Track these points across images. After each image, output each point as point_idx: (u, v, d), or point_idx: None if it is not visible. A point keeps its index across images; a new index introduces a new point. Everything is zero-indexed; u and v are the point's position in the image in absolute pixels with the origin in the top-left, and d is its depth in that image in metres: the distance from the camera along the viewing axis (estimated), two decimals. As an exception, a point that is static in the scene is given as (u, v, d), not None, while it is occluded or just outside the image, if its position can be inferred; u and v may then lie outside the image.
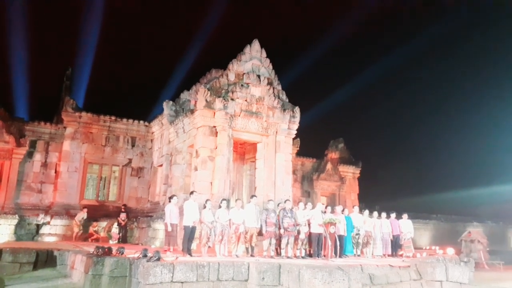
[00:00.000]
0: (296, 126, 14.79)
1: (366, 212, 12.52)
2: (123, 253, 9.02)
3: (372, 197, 23.96)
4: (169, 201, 10.44)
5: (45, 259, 11.05)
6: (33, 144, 16.53)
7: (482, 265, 15.79)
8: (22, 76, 25.18)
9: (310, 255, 10.90)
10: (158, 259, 7.72)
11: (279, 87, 14.94)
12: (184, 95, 17.22)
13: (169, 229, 9.87)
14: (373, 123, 39.26)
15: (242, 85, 14.01)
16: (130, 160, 18.13)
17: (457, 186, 31.81)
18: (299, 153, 21.48)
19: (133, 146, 18.28)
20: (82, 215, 15.50)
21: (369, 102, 40.05)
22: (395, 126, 39.48)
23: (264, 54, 14.94)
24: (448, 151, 36.87)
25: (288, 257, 10.28)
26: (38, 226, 15.54)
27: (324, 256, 10.63)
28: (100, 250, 8.96)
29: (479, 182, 31.32)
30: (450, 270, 9.24)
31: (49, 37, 32.19)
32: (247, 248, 10.62)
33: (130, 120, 18.18)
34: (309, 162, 22.77)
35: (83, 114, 17.25)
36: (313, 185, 22.05)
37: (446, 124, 38.06)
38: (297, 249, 10.92)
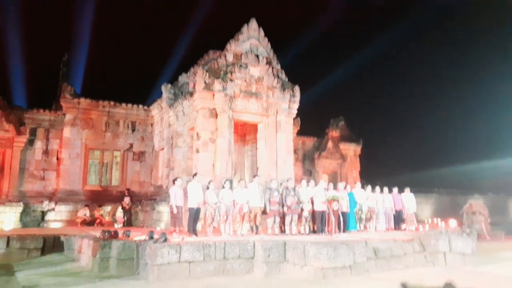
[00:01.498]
0: (296, 105, 14.74)
1: (369, 188, 12.59)
2: (129, 236, 9.12)
3: (374, 174, 24.03)
4: (173, 184, 10.49)
5: (52, 245, 11.18)
6: (33, 132, 16.52)
7: (484, 236, 15.95)
8: (18, 64, 24.97)
9: (314, 232, 11.02)
10: (165, 240, 7.81)
11: (278, 66, 14.82)
12: (183, 78, 17.10)
13: (175, 211, 9.95)
14: (373, 100, 39.09)
15: (240, 66, 13.90)
16: (131, 145, 18.14)
17: (458, 161, 31.91)
18: (300, 133, 21.45)
19: (133, 130, 18.26)
20: (84, 212, 15.59)
21: (370, 80, 39.81)
22: (395, 103, 39.33)
23: (262, 33, 14.76)
24: (449, 126, 36.83)
25: (292, 234, 10.40)
26: (43, 213, 15.67)
27: (328, 232, 10.75)
28: (106, 233, 9.06)
29: (480, 156, 31.38)
30: (453, 242, 9.35)
31: (44, 23, 31.73)
32: (251, 227, 10.74)
33: (130, 105, 18.10)
34: (310, 141, 22.79)
35: (82, 100, 17.17)
36: (314, 163, 22.12)
37: (447, 99, 37.87)
38: (301, 226, 11.04)
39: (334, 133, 23.00)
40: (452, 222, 12.88)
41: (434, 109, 37.22)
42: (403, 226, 12.92)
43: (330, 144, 22.40)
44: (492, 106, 33.85)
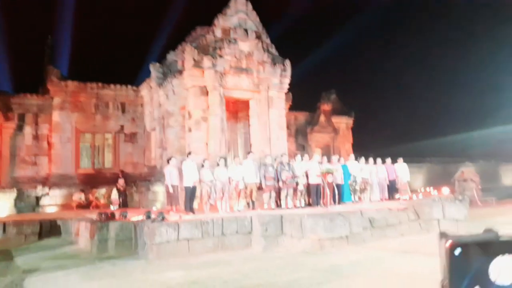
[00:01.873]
0: (287, 80, 14.61)
1: (362, 159, 12.67)
2: (126, 216, 9.14)
3: (366, 146, 24.13)
4: (168, 163, 10.46)
5: (49, 229, 11.22)
6: (21, 117, 16.25)
7: (476, 202, 16.27)
8: (1, 48, 24.29)
9: (309, 205, 11.14)
10: (163, 219, 7.83)
11: (268, 41, 14.60)
12: (171, 56, 16.77)
13: (170, 190, 9.95)
14: (364, 72, 38.93)
15: (229, 41, 13.67)
16: (122, 127, 17.96)
17: (449, 131, 32.17)
18: (292, 108, 21.35)
19: (123, 112, 18.05)
20: (79, 195, 15.54)
21: (361, 52, 39.42)
22: (386, 75, 39.24)
23: (250, 6, 14.45)
24: (439, 96, 36.90)
25: (288, 208, 10.49)
26: (38, 198, 15.61)
27: (323, 204, 10.86)
28: (103, 215, 9.06)
29: (471, 125, 31.66)
30: (446, 209, 9.53)
31: (27, 5, 30.77)
32: (248, 203, 10.80)
33: (118, 86, 17.83)
34: (302, 116, 22.74)
35: (69, 82, 16.86)
36: (307, 138, 22.16)
37: (437, 69, 37.84)
38: (296, 200, 11.14)
39: (326, 106, 22.95)
40: (445, 190, 13.09)
41: (425, 80, 37.23)
42: (397, 195, 13.09)
43: (322, 118, 22.39)
44: (482, 75, 33.87)
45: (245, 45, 13.87)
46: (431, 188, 16.17)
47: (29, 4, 31.40)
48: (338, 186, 11.51)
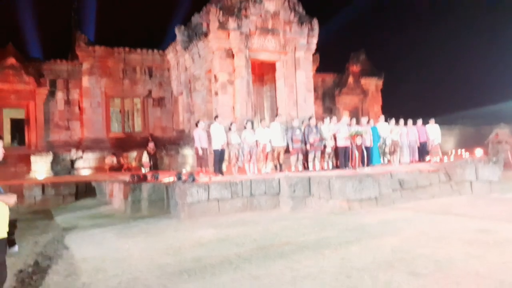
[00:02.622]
0: (315, 40, 14.20)
1: (393, 121, 12.36)
2: (158, 178, 9.39)
3: (396, 109, 23.50)
4: (196, 127, 10.54)
5: (85, 190, 11.71)
6: (53, 83, 16.66)
7: (510, 164, 15.74)
8: (30, 15, 24.58)
9: (337, 167, 11.07)
10: (193, 180, 8.00)
11: (295, -1, 14.11)
12: (195, 18, 16.55)
13: (200, 152, 10.08)
14: (396, 33, 37.18)
15: (255, 1, 13.30)
16: (150, 91, 18.15)
17: (483, 100, 30.73)
18: (319, 69, 20.86)
19: (150, 76, 18.16)
20: (112, 158, 15.99)
21: (392, 12, 37.63)
22: (420, 36, 37.40)
23: (275, -37, 13.89)
24: (474, 63, 34.98)
25: (316, 171, 10.48)
26: (72, 161, 16.21)
27: (352, 167, 10.77)
28: (136, 177, 9.33)
29: (506, 96, 30.12)
30: (479, 170, 9.28)
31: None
32: (275, 166, 10.84)
33: (144, 50, 17.87)
34: (329, 78, 22.25)
35: (97, 47, 17.02)
36: (335, 101, 21.76)
37: (476, 36, 35.51)
38: (324, 162, 11.09)
39: (354, 67, 22.31)
40: (479, 152, 12.71)
41: (460, 45, 35.19)
42: (428, 158, 12.82)
43: (350, 79, 21.83)
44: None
45: (271, 4, 13.47)
46: (463, 150, 15.74)
47: (54, -31, 31.30)
48: (367, 148, 11.34)
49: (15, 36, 23.74)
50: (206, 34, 13.90)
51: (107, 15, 27.14)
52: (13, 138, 18.27)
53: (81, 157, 16.20)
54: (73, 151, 16.17)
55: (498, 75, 32.38)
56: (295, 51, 13.87)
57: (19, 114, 17.01)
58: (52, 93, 16.59)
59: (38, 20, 24.76)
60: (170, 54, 17.77)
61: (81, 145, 16.55)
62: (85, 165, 16.22)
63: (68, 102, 16.97)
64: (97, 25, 24.11)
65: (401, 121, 12.53)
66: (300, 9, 14.19)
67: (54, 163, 15.62)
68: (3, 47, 15.72)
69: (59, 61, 16.92)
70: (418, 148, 12.63)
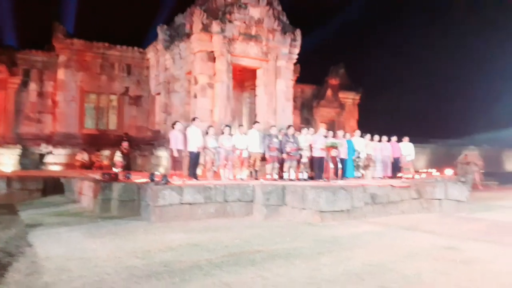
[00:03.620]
0: (297, 50, 14.33)
1: (368, 135, 12.58)
2: (130, 178, 9.19)
3: (372, 124, 23.95)
4: (173, 128, 10.39)
5: (53, 186, 11.32)
6: (26, 73, 16.14)
7: (477, 186, 16.30)
8: (7, 2, 23.76)
9: (312, 178, 11.14)
10: (166, 182, 7.86)
11: (279, 8, 14.22)
12: (179, 19, 16.42)
13: (175, 154, 9.92)
14: (374, 48, 37.99)
15: (240, 6, 13.32)
16: (127, 89, 17.83)
17: (454, 116, 31.77)
18: (299, 80, 21.03)
19: (129, 74, 17.87)
20: (82, 155, 15.59)
21: (372, 27, 38.43)
22: (397, 52, 38.39)
23: (262, -30, 13.98)
24: (448, 78, 36.18)
25: (291, 180, 10.51)
26: (42, 156, 15.69)
27: (326, 178, 10.86)
28: (107, 176, 9.09)
29: (476, 111, 31.29)
30: (449, 189, 9.53)
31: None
32: (251, 172, 10.82)
33: (124, 47, 17.58)
34: (309, 89, 22.49)
35: (75, 41, 16.61)
36: (312, 112, 21.99)
37: (447, 51, 36.85)
38: (299, 172, 11.14)
39: (333, 81, 22.65)
40: (448, 171, 13.08)
41: (436, 61, 36.31)
42: (400, 174, 13.09)
43: (329, 92, 22.15)
44: (490, 57, 33.09)
45: (256, 11, 13.53)
46: (434, 169, 16.19)
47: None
48: (342, 160, 11.48)
49: (-11, 22, 22.88)
50: (188, 35, 13.80)
51: (89, 8, 26.59)
52: (-21, 127, 17.54)
53: (51, 152, 15.69)
54: (43, 145, 15.65)
55: (476, 96, 33.62)
56: (277, 59, 13.95)
57: (-12, 103, 16.36)
58: (24, 84, 16.06)
59: (15, 8, 23.98)
60: (150, 53, 17.53)
61: (52, 140, 16.03)
62: (55, 160, 15.71)
63: (41, 94, 16.45)
64: (77, 17, 23.51)
65: (376, 136, 12.77)
66: (284, 18, 14.31)
67: (23, 156, 15.09)
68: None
69: (35, 51, 16.41)
70: (392, 163, 12.88)
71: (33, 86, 16.31)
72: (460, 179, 12.44)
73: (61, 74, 16.51)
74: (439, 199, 9.49)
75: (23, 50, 16.21)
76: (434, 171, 15.66)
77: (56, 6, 17.99)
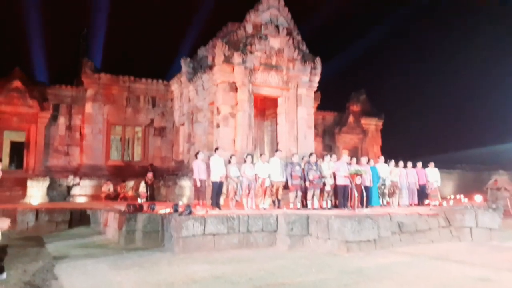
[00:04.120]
0: (317, 78, 14.46)
1: (392, 162, 12.36)
2: (154, 209, 9.25)
3: (395, 150, 23.58)
4: (196, 158, 10.51)
5: (79, 218, 11.51)
6: (56, 108, 16.79)
7: (509, 212, 15.59)
8: (39, 40, 25.13)
9: (336, 207, 10.96)
10: (190, 213, 7.88)
11: (299, 37, 14.48)
12: (201, 51, 16.92)
13: (198, 184, 9.99)
14: (396, 74, 37.87)
15: (260, 37, 13.63)
16: (152, 120, 18.26)
17: (483, 141, 30.91)
18: (320, 107, 21.11)
19: (153, 106, 18.34)
20: (108, 186, 15.89)
21: (393, 53, 38.45)
22: (419, 77, 38.15)
23: (282, 2, 14.38)
24: (474, 104, 35.45)
25: (314, 209, 10.37)
26: (69, 187, 16.07)
27: (351, 207, 10.65)
28: (131, 207, 9.19)
29: (505, 138, 30.32)
30: (479, 217, 9.17)
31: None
32: (273, 201, 10.74)
33: (149, 80, 18.14)
34: (330, 116, 22.49)
35: (102, 75, 17.27)
36: (334, 139, 21.90)
37: (474, 76, 36.27)
38: (323, 200, 10.99)
39: (355, 107, 22.59)
40: (478, 198, 12.63)
41: (460, 85, 35.75)
42: (427, 201, 12.73)
43: (351, 119, 22.06)
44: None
45: (276, 42, 13.80)
46: (462, 195, 15.66)
47: (67, -2, 32.28)
48: (366, 188, 11.25)
49: (23, 60, 24.18)
50: (211, 67, 14.15)
51: (115, 43, 27.76)
52: (11, 161, 18.19)
53: (78, 184, 16.07)
54: (71, 177, 16.06)
55: (500, 117, 32.73)
56: (297, 88, 14.08)
57: (20, 137, 17.02)
58: (54, 118, 16.69)
59: (47, 45, 25.30)
60: (174, 85, 18.02)
61: (79, 172, 16.46)
62: (82, 192, 16.06)
63: (69, 127, 17.03)
64: (104, 52, 24.63)
65: (401, 163, 12.54)
66: (304, 47, 14.53)
67: (51, 188, 15.49)
68: (11, 70, 15.96)
69: (64, 86, 17.14)
70: (418, 190, 12.56)
71: (62, 120, 16.94)
72: (491, 205, 11.98)
73: (88, 107, 17.11)
74: (469, 227, 9.13)
75: (53, 86, 16.97)
76: (462, 198, 15.14)
77: (84, 41, 18.71)
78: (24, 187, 14.82)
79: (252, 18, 13.89)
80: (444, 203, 12.68)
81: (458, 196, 16.01)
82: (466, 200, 13.55)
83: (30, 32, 25.68)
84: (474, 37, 35.46)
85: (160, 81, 18.36)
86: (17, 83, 15.59)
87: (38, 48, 24.69)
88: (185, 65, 16.54)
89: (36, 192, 14.87)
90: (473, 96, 34.75)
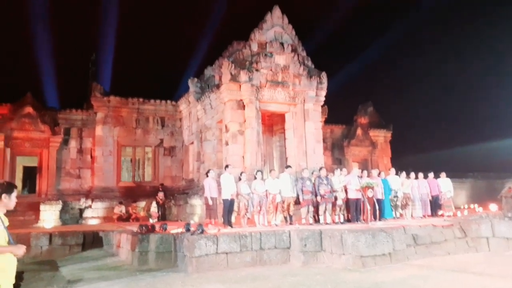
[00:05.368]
0: (324, 92, 14.52)
1: (403, 174, 12.27)
2: (166, 229, 9.25)
3: (406, 160, 23.45)
4: (206, 176, 10.55)
5: (92, 240, 11.53)
6: (67, 132, 17.03)
7: (526, 220, 15.31)
8: (50, 66, 25.67)
9: (348, 221, 10.86)
10: (202, 232, 7.87)
11: (304, 53, 14.62)
12: (208, 71, 17.15)
13: (210, 202, 10.00)
14: (402, 83, 37.88)
15: (265, 55, 13.79)
16: (161, 140, 18.41)
17: (493, 146, 30.56)
18: (328, 121, 21.14)
19: (163, 126, 18.52)
20: (120, 208, 15.97)
21: (397, 63, 38.56)
22: (425, 85, 38.07)
23: (286, 20, 14.58)
24: (481, 109, 35.25)
25: (327, 224, 10.29)
26: (81, 210, 16.17)
27: (363, 220, 10.56)
28: (144, 228, 9.21)
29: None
30: (496, 226, 9.00)
31: (71, 23, 32.52)
32: (285, 217, 10.68)
33: (158, 101, 18.37)
34: (338, 129, 22.47)
35: (112, 98, 17.52)
36: (343, 152, 21.81)
37: (479, 80, 36.19)
38: (335, 215, 10.90)
39: (363, 119, 22.57)
40: (493, 207, 12.43)
41: (467, 92, 35.62)
42: (440, 212, 12.56)
43: (359, 131, 22.01)
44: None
45: (281, 58, 13.95)
46: (476, 205, 15.42)
47: (75, 24, 33.12)
48: (378, 201, 11.17)
49: (34, 85, 24.68)
50: (218, 86, 14.30)
51: (123, 66, 28.25)
52: (24, 185, 18.40)
53: (90, 206, 16.17)
54: (82, 200, 16.18)
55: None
56: (304, 102, 14.15)
57: (32, 162, 17.25)
58: (65, 141, 16.92)
59: (57, 71, 25.83)
60: (182, 105, 18.21)
61: (90, 194, 16.57)
62: (94, 214, 16.15)
63: (80, 150, 17.24)
64: (113, 75, 25.07)
65: (412, 174, 12.44)
66: (309, 63, 14.65)
67: (63, 211, 15.61)
68: (23, 95, 16.29)
69: (75, 110, 17.41)
70: (430, 201, 12.42)
71: (73, 144, 17.16)
72: (507, 214, 11.77)
73: (99, 130, 17.33)
74: (486, 237, 8.95)
75: (64, 110, 17.25)
76: (477, 207, 14.93)
77: (94, 66, 19.09)
78: (37, 211, 14.95)
79: (257, 36, 14.08)
80: (458, 213, 12.51)
81: (472, 206, 15.77)
82: (480, 209, 13.36)
83: (41, 58, 26.28)
84: (483, 46, 35.45)
85: (168, 101, 18.57)
86: (28, 109, 15.89)
87: (48, 73, 25.23)
88: (192, 85, 16.74)
89: (49, 216, 14.98)
90: (482, 102, 34.54)
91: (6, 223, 3.25)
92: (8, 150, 15.63)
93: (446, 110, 36.50)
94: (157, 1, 38.86)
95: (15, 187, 3.42)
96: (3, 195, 3.23)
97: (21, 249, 3.13)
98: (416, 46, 39.68)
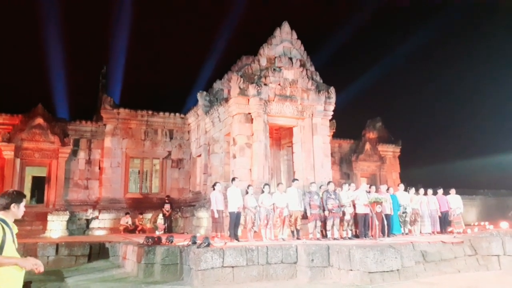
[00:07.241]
0: (332, 107, 14.52)
1: (412, 189, 12.17)
2: (172, 241, 9.22)
3: (415, 176, 23.23)
4: (213, 189, 10.54)
5: (98, 252, 11.51)
6: (76, 143, 17.17)
7: (538, 238, 15.02)
8: (61, 77, 26.09)
9: (356, 236, 10.75)
10: (208, 245, 7.83)
11: (312, 68, 14.67)
12: (217, 85, 17.27)
13: (216, 215, 9.97)
14: (411, 99, 37.80)
15: (274, 69, 13.87)
16: (169, 153, 18.48)
17: (504, 162, 30.18)
18: (336, 135, 21.10)
19: (171, 138, 18.61)
20: (126, 219, 15.98)
21: (406, 78, 38.56)
22: (434, 101, 37.93)
23: (294, 35, 14.68)
24: (492, 125, 34.97)
25: (334, 239, 10.19)
26: (88, 221, 16.20)
27: (372, 236, 10.44)
28: (150, 240, 9.19)
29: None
30: (507, 244, 8.86)
31: (83, 36, 33.12)
32: (292, 232, 10.60)
33: (167, 113, 18.49)
34: (346, 144, 22.39)
35: (121, 110, 17.68)
36: (352, 166, 21.69)
37: (491, 96, 35.93)
38: (343, 230, 10.80)
39: (371, 134, 22.49)
40: (504, 224, 12.22)
41: (477, 108, 35.45)
42: (450, 229, 12.38)
43: (367, 146, 21.91)
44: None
45: (290, 73, 14.01)
46: (486, 222, 15.20)
47: (86, 37, 33.72)
48: (387, 216, 11.05)
49: (45, 97, 25.06)
50: (226, 100, 14.38)
51: (133, 79, 28.60)
52: (32, 195, 18.52)
53: (97, 217, 16.20)
54: (90, 210, 16.22)
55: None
56: (313, 117, 14.15)
57: (41, 172, 17.37)
58: (74, 152, 17.05)
59: (68, 83, 26.24)
60: (191, 118, 18.32)
61: (97, 205, 16.62)
62: (101, 225, 16.16)
63: (89, 161, 17.35)
64: (122, 88, 25.36)
65: (421, 190, 12.32)
66: (318, 77, 14.70)
67: (70, 222, 15.65)
68: (34, 105, 16.51)
69: (84, 122, 17.58)
70: (440, 218, 12.26)
71: (81, 155, 17.28)
72: (518, 232, 11.57)
73: (107, 142, 17.46)
74: (497, 255, 8.80)
75: (73, 122, 17.42)
76: (487, 225, 14.69)
77: (104, 79, 19.34)
78: (44, 221, 15.00)
79: (266, 51, 14.19)
80: (469, 230, 12.31)
81: (482, 223, 15.54)
82: (491, 227, 13.15)
83: (52, 70, 26.72)
84: (494, 58, 35.33)
85: (177, 114, 18.70)
86: (39, 120, 16.08)
87: (59, 85, 25.61)
88: (201, 98, 16.86)
89: (56, 226, 15.02)
90: (489, 118, 34.26)
91: (16, 230, 3.25)
92: (18, 161, 15.78)
93: (455, 124, 36.25)
94: (167, 15, 39.49)
95: (24, 196, 3.43)
96: (12, 205, 3.24)
97: (28, 262, 3.09)
98: (426, 63, 39.68)
